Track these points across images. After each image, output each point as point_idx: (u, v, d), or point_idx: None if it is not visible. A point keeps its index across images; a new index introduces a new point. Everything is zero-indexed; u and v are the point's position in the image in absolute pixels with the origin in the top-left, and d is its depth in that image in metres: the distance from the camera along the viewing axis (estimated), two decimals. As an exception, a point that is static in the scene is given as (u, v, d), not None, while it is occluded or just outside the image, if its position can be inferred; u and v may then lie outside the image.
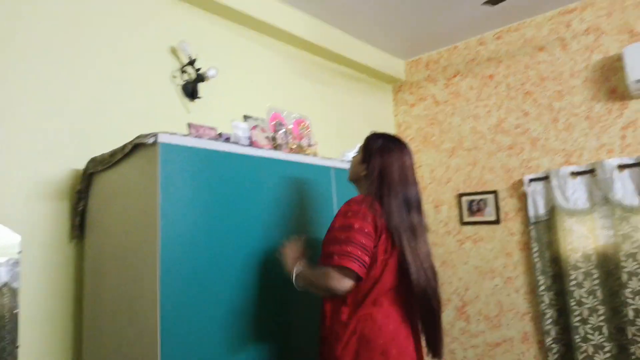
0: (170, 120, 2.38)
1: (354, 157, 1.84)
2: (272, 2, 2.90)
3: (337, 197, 2.36)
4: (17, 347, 1.73)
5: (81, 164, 2.00)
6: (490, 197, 3.52)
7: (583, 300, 2.93)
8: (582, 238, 2.98)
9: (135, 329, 1.64)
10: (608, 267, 2.89)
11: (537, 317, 3.23)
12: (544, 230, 3.18)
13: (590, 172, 3.01)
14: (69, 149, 2.00)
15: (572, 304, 2.95)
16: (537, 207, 3.22)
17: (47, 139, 1.94)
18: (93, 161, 1.91)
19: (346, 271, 1.54)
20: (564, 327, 3.06)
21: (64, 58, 2.04)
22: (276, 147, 2.38)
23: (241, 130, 2.22)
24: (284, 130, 2.47)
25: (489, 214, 3.52)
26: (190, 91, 2.45)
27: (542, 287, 3.13)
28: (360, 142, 1.85)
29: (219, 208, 1.79)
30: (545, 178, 3.19)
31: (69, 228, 1.98)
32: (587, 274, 2.94)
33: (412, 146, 3.99)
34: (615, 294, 2.85)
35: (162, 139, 1.62)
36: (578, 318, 2.93)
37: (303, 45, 3.23)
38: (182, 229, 1.64)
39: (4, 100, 1.84)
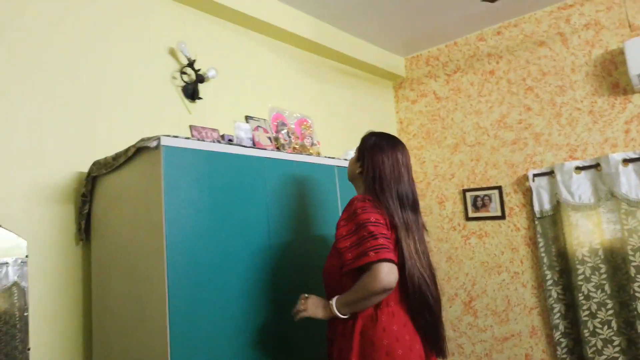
0: (172, 122, 2.38)
1: (351, 157, 1.84)
2: (271, 2, 2.89)
3: (341, 196, 2.35)
4: (28, 349, 1.74)
5: (84, 167, 2.00)
6: (495, 192, 3.52)
7: (591, 294, 2.92)
8: (588, 233, 2.97)
9: (144, 330, 1.64)
10: (615, 262, 2.88)
11: (545, 312, 3.23)
12: (549, 225, 3.17)
13: (595, 166, 3.00)
14: (72, 152, 2.00)
15: (580, 298, 2.94)
16: (542, 202, 3.21)
17: (49, 142, 1.94)
18: (97, 164, 1.91)
19: (388, 262, 1.47)
20: (572, 321, 3.05)
21: (64, 62, 2.04)
22: (279, 147, 2.38)
23: (243, 131, 2.22)
24: (286, 130, 2.47)
25: (494, 210, 3.52)
26: (191, 92, 2.45)
27: (550, 282, 3.13)
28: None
29: (224, 209, 1.79)
30: (550, 173, 3.18)
31: (74, 231, 1.98)
32: (595, 269, 2.93)
33: (415, 142, 3.99)
34: (623, 288, 2.83)
35: (165, 142, 1.62)
36: (586, 312, 2.92)
37: (302, 44, 3.22)
38: (187, 230, 1.64)
39: (7, 105, 1.85)
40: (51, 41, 2.02)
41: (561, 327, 3.08)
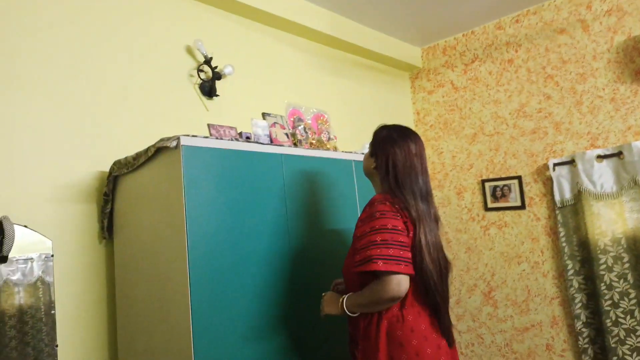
0: (189, 119, 2.41)
1: (365, 153, 1.84)
2: (286, -3, 2.90)
3: (358, 190, 2.36)
4: (56, 346, 1.80)
5: (105, 166, 2.04)
6: (514, 182, 3.48)
7: (614, 284, 2.89)
8: (611, 222, 2.93)
9: (167, 327, 1.68)
10: (639, 251, 2.84)
11: (566, 302, 3.20)
12: (570, 215, 3.14)
13: (618, 154, 2.94)
14: (93, 151, 2.05)
15: (602, 288, 2.91)
16: (563, 191, 3.17)
17: (71, 142, 1.99)
18: (117, 164, 1.95)
19: (397, 274, 1.48)
20: (594, 311, 3.02)
21: (85, 63, 2.08)
22: (296, 143, 2.39)
23: (261, 128, 2.23)
24: (303, 125, 2.48)
25: (514, 200, 3.49)
26: (208, 90, 2.47)
27: (571, 272, 3.10)
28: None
29: (243, 206, 1.81)
30: (571, 162, 3.14)
31: (98, 230, 2.03)
32: (617, 258, 2.90)
33: (432, 133, 3.96)
34: (646, 277, 2.80)
35: (184, 141, 1.64)
36: (609, 302, 2.89)
37: (318, 38, 3.22)
38: (208, 228, 1.67)
39: (31, 108, 1.89)
40: (71, 43, 2.05)
41: (583, 317, 3.06)
